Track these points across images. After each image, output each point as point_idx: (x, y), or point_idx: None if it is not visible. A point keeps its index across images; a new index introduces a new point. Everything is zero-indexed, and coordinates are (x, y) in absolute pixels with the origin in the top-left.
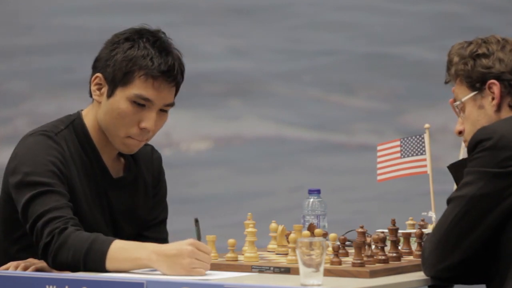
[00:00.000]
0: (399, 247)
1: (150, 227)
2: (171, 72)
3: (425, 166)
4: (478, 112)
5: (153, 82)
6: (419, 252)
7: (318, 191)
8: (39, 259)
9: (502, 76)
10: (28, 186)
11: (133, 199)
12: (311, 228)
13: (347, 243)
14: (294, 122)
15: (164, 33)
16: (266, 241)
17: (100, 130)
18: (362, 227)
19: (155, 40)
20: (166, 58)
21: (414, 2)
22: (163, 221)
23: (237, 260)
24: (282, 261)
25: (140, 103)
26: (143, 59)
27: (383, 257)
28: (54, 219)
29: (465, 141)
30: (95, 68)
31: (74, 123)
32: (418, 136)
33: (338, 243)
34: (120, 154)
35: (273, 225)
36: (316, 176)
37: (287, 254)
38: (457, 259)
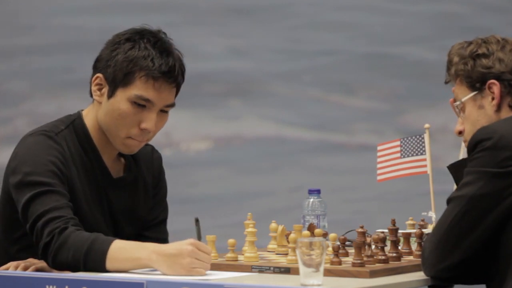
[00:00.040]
0: (399, 247)
1: (150, 227)
2: (171, 73)
3: (425, 166)
4: (478, 112)
5: (154, 83)
6: (419, 252)
7: (318, 191)
8: (39, 259)
9: (502, 76)
10: (28, 186)
11: (133, 199)
12: (311, 228)
13: (347, 243)
14: (294, 122)
15: (165, 33)
16: (266, 241)
17: (101, 130)
18: (362, 227)
19: (156, 41)
20: (167, 59)
21: (414, 2)
22: (163, 221)
23: (237, 260)
24: (282, 261)
25: (140, 104)
26: (144, 60)
27: (383, 257)
28: (54, 219)
29: (465, 141)
30: (96, 68)
31: (75, 123)
32: (418, 136)
33: (338, 243)
34: (120, 154)
35: (273, 225)
36: (316, 176)
37: (287, 254)
38: (457, 259)
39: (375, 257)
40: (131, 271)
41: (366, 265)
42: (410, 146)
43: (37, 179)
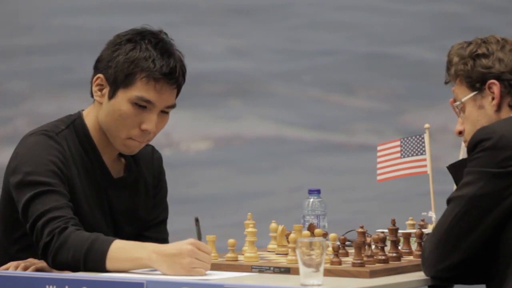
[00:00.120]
0: (399, 247)
1: (151, 227)
2: (172, 74)
3: (425, 166)
4: (478, 112)
5: (155, 84)
6: (419, 252)
7: (318, 191)
8: (39, 259)
9: (502, 76)
10: (28, 186)
11: (134, 199)
12: (311, 228)
13: (347, 243)
14: (294, 122)
15: (166, 33)
16: (266, 241)
17: (101, 130)
18: (362, 227)
19: (157, 42)
20: (168, 60)
21: (414, 2)
22: (164, 221)
23: (237, 260)
24: (282, 261)
25: (141, 105)
26: (145, 61)
27: (383, 257)
28: (54, 218)
29: (465, 141)
30: (97, 69)
31: (75, 123)
32: (418, 136)
33: (338, 243)
34: (121, 154)
35: (273, 225)
36: (316, 176)
37: (287, 254)
38: (457, 259)
39: (375, 257)
40: (131, 271)
41: (366, 265)
42: (410, 146)
43: (38, 179)
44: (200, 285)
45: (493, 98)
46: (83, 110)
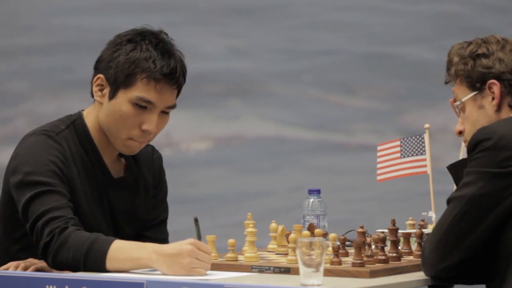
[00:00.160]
0: (399, 247)
1: (151, 227)
2: (173, 74)
3: (425, 166)
4: (478, 112)
5: (155, 85)
6: (419, 252)
7: (318, 191)
8: (39, 259)
9: (502, 76)
10: (28, 186)
11: (134, 199)
12: (311, 228)
13: (347, 243)
14: (294, 122)
15: (166, 33)
16: (266, 241)
17: (101, 131)
18: (362, 227)
19: (157, 42)
20: (168, 60)
21: (414, 2)
22: (164, 221)
23: (237, 260)
24: (282, 261)
25: (142, 105)
26: (146, 62)
27: (383, 257)
28: (54, 218)
29: (465, 141)
30: (97, 69)
31: (75, 123)
32: (418, 136)
33: (338, 243)
34: (121, 155)
35: (273, 225)
36: (316, 176)
37: (287, 254)
38: (457, 259)
39: (375, 257)
40: (131, 271)
41: (366, 265)
42: (410, 146)
43: (38, 179)
44: (200, 285)
45: (493, 98)
46: (83, 110)
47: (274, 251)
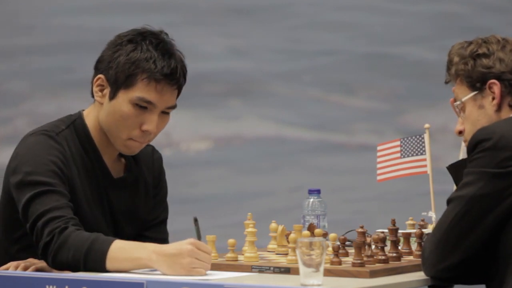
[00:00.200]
0: (399, 247)
1: (151, 227)
2: (173, 75)
3: (425, 166)
4: (479, 112)
5: (156, 85)
6: (419, 252)
7: (318, 191)
8: (39, 259)
9: (503, 76)
10: (28, 186)
11: (134, 199)
12: (311, 228)
13: (347, 243)
14: (294, 122)
15: (166, 34)
16: (266, 241)
17: (101, 131)
18: (362, 227)
19: (158, 43)
20: (169, 61)
21: (414, 2)
22: (164, 221)
23: (237, 260)
24: (282, 261)
25: (142, 106)
26: (146, 62)
27: (383, 257)
28: (55, 218)
29: (465, 141)
30: (97, 69)
31: (75, 123)
32: (418, 136)
33: (338, 243)
34: (121, 155)
35: (273, 225)
36: (316, 176)
37: (287, 254)
38: (457, 259)
39: (375, 257)
40: (131, 271)
41: (366, 265)
42: (410, 146)
43: (38, 178)
44: (200, 285)
45: (493, 98)
46: (83, 110)
47: (274, 251)
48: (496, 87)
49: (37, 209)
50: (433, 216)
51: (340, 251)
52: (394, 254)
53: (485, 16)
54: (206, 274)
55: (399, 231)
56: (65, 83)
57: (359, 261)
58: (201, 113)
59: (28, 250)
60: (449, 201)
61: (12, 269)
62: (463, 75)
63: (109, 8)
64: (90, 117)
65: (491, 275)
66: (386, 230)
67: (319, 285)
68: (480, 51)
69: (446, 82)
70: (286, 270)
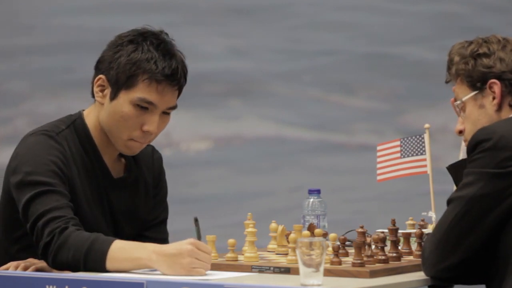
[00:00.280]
0: (399, 247)
1: (151, 227)
2: (174, 76)
3: (425, 166)
4: (479, 111)
5: (157, 86)
6: (419, 252)
7: (318, 191)
8: (39, 259)
9: (503, 76)
10: (28, 186)
11: (134, 199)
12: (311, 228)
13: (347, 243)
14: (294, 122)
15: (167, 34)
16: (266, 241)
17: (102, 131)
18: (362, 227)
19: (159, 43)
20: (170, 61)
21: (414, 2)
22: (164, 221)
23: (237, 260)
24: (282, 261)
25: (143, 106)
26: (147, 63)
27: (383, 257)
28: (55, 218)
29: (465, 141)
30: (98, 70)
31: (75, 123)
32: (418, 136)
33: (338, 243)
34: (121, 155)
35: (273, 225)
36: (316, 176)
37: (287, 254)
38: (457, 259)
39: (375, 257)
40: (131, 271)
41: (366, 265)
42: (410, 146)
43: (38, 178)
44: (200, 285)
45: (493, 98)
46: (83, 110)
47: (274, 251)
48: (497, 86)
49: (37, 209)
50: (433, 216)
51: (340, 251)
52: (394, 254)
53: (485, 16)
54: (206, 274)
55: (399, 231)
56: (65, 83)
57: (359, 261)
58: (201, 113)
59: (28, 250)
60: (449, 201)
61: (12, 269)
62: (464, 75)
63: (109, 8)
64: (90, 117)
65: (491, 275)
66: (386, 230)
67: (319, 285)
68: (480, 51)
69: (447, 82)
70: (286, 270)
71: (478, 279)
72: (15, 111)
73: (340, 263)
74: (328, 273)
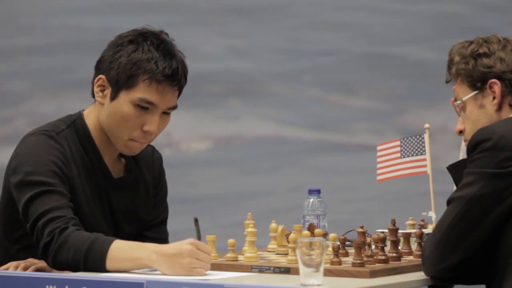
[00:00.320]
0: (399, 247)
1: (151, 227)
2: (175, 76)
3: (425, 166)
4: (479, 111)
5: (157, 86)
6: (419, 252)
7: (318, 191)
8: (39, 259)
9: (503, 76)
10: (28, 186)
11: (134, 199)
12: (311, 228)
13: (347, 243)
14: (294, 122)
15: (167, 34)
16: (266, 241)
17: (102, 131)
18: (362, 227)
19: (159, 43)
20: (170, 61)
21: (414, 2)
22: (164, 221)
23: (237, 260)
24: (282, 261)
25: (143, 106)
26: (148, 63)
27: (383, 257)
28: (55, 218)
29: (465, 141)
30: (98, 70)
31: (75, 123)
32: (418, 136)
33: (338, 243)
34: (121, 155)
35: (273, 225)
36: (316, 176)
37: (287, 254)
38: (457, 259)
39: (375, 257)
40: (131, 271)
41: (366, 265)
42: (410, 146)
43: (38, 178)
44: (200, 285)
45: (494, 98)
46: (83, 110)
47: (274, 251)
48: (497, 86)
49: (37, 209)
50: (433, 216)
51: (340, 251)
52: (394, 254)
53: (485, 16)
54: (206, 274)
55: (399, 231)
56: (65, 83)
57: (359, 261)
58: (201, 113)
59: (28, 250)
60: (449, 202)
61: (12, 269)
62: (464, 75)
63: (109, 8)
64: (91, 117)
65: (491, 275)
66: (386, 230)
67: (319, 285)
68: (481, 51)
69: (447, 82)
70: (286, 270)
71: (478, 279)
72: (15, 111)
73: (340, 263)
74: (328, 273)
